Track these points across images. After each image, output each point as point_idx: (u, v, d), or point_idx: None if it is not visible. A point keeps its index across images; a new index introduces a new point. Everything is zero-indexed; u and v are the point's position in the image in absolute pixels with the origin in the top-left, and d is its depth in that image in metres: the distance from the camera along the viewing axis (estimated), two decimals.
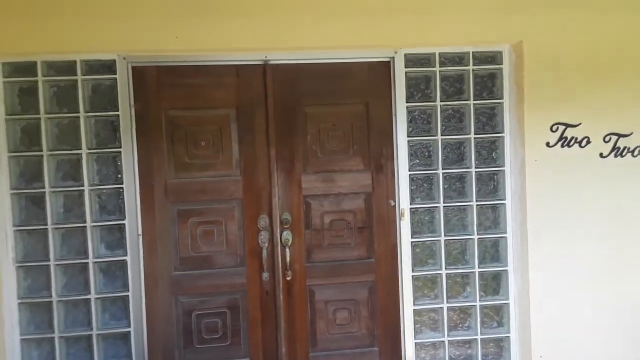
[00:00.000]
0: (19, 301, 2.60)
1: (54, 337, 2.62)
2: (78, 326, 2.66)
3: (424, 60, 2.77)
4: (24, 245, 2.62)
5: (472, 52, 2.76)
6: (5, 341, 2.55)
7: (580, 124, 2.68)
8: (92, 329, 2.64)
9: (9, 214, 2.58)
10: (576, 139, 2.69)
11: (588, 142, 2.70)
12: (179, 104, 2.69)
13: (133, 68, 2.65)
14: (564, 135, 2.68)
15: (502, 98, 2.79)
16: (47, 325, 2.63)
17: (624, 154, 2.72)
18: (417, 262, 2.83)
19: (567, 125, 2.68)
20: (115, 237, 2.66)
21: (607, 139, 2.71)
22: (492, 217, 2.86)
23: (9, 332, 2.57)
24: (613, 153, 2.71)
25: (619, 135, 2.71)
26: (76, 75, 2.57)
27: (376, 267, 2.86)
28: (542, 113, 2.67)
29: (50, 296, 2.61)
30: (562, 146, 2.69)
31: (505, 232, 2.84)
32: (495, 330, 2.88)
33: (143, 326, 2.72)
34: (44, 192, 2.59)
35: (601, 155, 2.71)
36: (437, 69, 2.76)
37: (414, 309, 2.82)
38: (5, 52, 2.49)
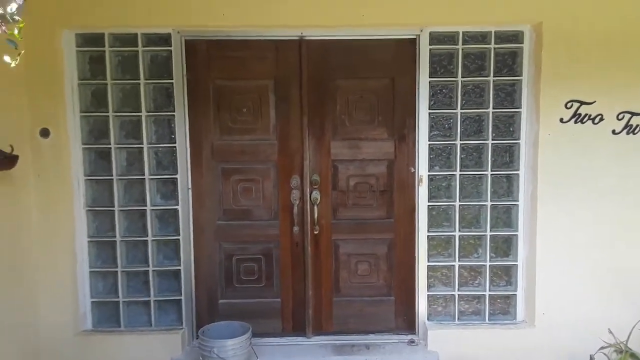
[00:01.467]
0: (88, 239, 3.07)
1: (117, 271, 3.09)
2: (137, 263, 3.11)
3: (448, 38, 2.96)
4: (92, 192, 3.06)
5: (494, 31, 2.93)
6: (77, 272, 3.03)
7: (594, 101, 2.84)
8: (148, 265, 3.09)
9: (81, 165, 3.00)
10: (590, 115, 2.85)
11: (601, 119, 2.85)
12: (224, 74, 3.03)
13: (186, 41, 2.99)
14: (578, 112, 2.85)
15: (521, 75, 2.96)
16: (111, 261, 3.09)
17: (636, 131, 2.86)
18: (433, 224, 3.11)
19: (582, 103, 2.84)
20: (168, 189, 3.07)
21: (620, 116, 2.85)
22: (506, 186, 3.09)
23: (80, 265, 3.04)
24: (625, 130, 2.86)
25: (633, 114, 2.84)
26: (137, 46, 2.93)
27: (395, 226, 3.17)
28: (558, 90, 2.83)
29: (115, 236, 3.06)
30: (576, 122, 2.86)
31: (517, 200, 3.06)
32: (504, 288, 3.16)
33: (191, 266, 3.16)
34: (110, 147, 3.00)
35: (613, 132, 2.86)
36: (460, 46, 2.95)
37: (428, 265, 3.13)
38: (78, 24, 2.87)
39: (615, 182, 2.90)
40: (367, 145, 3.10)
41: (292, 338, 3.21)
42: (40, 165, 2.89)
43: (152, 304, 3.11)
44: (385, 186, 3.14)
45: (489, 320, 3.14)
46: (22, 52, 1.53)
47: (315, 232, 3.13)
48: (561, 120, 2.86)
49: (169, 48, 2.94)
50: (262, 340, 3.10)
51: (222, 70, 3.02)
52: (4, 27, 1.40)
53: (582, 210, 2.92)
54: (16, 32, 1.43)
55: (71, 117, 2.94)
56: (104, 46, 2.93)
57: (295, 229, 3.12)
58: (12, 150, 2.58)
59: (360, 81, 3.05)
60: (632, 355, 2.71)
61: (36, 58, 2.77)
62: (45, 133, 2.88)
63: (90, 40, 2.94)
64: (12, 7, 1.38)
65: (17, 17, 1.41)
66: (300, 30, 2.95)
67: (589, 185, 2.90)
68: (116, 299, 3.10)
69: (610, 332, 2.83)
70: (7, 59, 1.48)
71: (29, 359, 2.88)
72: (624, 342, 2.76)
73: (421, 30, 2.94)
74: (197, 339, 2.92)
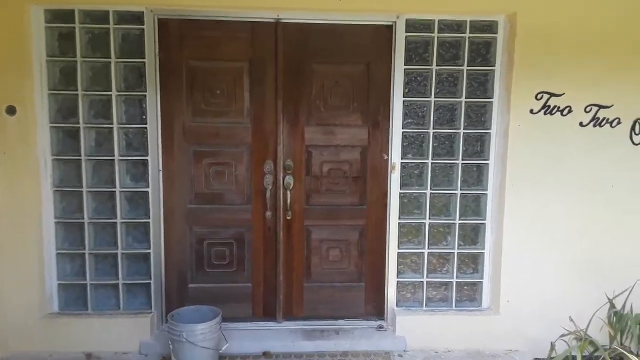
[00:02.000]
0: (55, 220, 3.01)
1: (84, 253, 3.04)
2: (105, 245, 3.07)
3: (424, 26, 2.97)
4: (60, 172, 2.99)
5: (470, 21, 2.96)
6: (44, 254, 2.97)
7: (563, 93, 2.89)
8: (117, 248, 3.05)
9: (48, 144, 2.94)
10: (559, 107, 2.91)
11: (570, 111, 2.91)
12: (198, 54, 2.98)
13: (159, 20, 2.93)
14: (548, 103, 2.90)
15: (494, 65, 3.00)
16: (78, 243, 3.04)
17: (602, 124, 2.93)
18: (404, 211, 3.15)
19: (552, 95, 2.89)
20: (139, 171, 3.02)
21: (588, 109, 2.91)
22: (476, 175, 3.14)
23: (47, 247, 2.99)
24: (592, 123, 2.93)
25: (600, 107, 2.91)
26: (109, 24, 2.87)
27: (367, 213, 3.19)
28: (529, 82, 2.88)
29: (82, 218, 3.01)
30: (545, 114, 2.91)
31: (486, 189, 3.12)
32: (470, 275, 3.22)
33: (161, 249, 3.12)
34: (79, 127, 2.93)
35: (581, 124, 2.93)
36: (435, 34, 2.97)
37: (398, 252, 3.17)
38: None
39: (582, 173, 2.97)
40: (342, 131, 3.10)
41: (262, 323, 3.22)
42: (6, 144, 2.82)
43: (120, 287, 3.08)
44: (359, 173, 3.16)
45: (455, 306, 3.21)
46: None
47: (288, 218, 3.13)
48: (531, 111, 2.91)
49: (142, 26, 2.87)
50: (232, 324, 3.10)
51: (196, 50, 2.97)
52: None
53: (549, 200, 2.98)
54: None
55: (39, 94, 2.87)
56: (74, 23, 2.86)
57: (268, 214, 3.12)
58: None
59: (336, 66, 3.04)
60: (591, 342, 2.80)
61: (3, 33, 2.72)
62: (11, 110, 2.80)
63: (59, 16, 2.86)
64: None
65: None
66: (276, 12, 2.92)
67: (556, 176, 2.96)
68: (84, 282, 3.06)
69: (571, 320, 2.91)
70: None
71: None
72: (584, 330, 2.84)
73: (398, 17, 2.94)
74: (166, 322, 2.91)
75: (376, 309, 3.26)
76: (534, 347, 3.02)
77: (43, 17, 2.85)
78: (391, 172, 3.09)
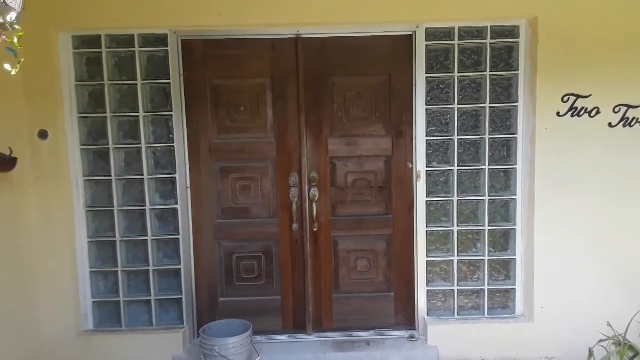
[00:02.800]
0: (89, 240, 3.08)
1: (117, 271, 3.11)
2: (137, 262, 3.12)
3: (444, 34, 2.97)
4: (92, 193, 3.07)
5: (490, 27, 2.94)
6: (78, 273, 3.05)
7: (590, 95, 2.84)
8: (149, 265, 3.11)
9: (80, 166, 3.02)
10: (586, 109, 2.86)
11: (598, 112, 2.86)
12: (221, 73, 3.04)
13: (182, 41, 3.00)
14: (575, 105, 2.86)
15: (517, 70, 2.97)
16: (111, 261, 3.11)
17: (632, 124, 2.87)
18: (431, 219, 3.13)
19: (578, 96, 2.85)
20: (167, 189, 3.08)
21: (616, 109, 2.86)
22: (503, 181, 3.10)
23: (81, 266, 3.06)
24: (622, 123, 2.87)
25: (629, 107, 2.85)
26: (134, 47, 2.94)
27: (394, 222, 3.18)
28: (554, 84, 2.84)
29: (114, 236, 3.07)
30: (572, 116, 2.87)
31: (515, 195, 3.08)
32: (502, 282, 3.17)
33: (191, 265, 3.17)
34: (109, 148, 3.01)
35: (610, 125, 2.87)
36: (456, 42, 2.96)
37: (427, 261, 3.14)
38: (74, 27, 2.88)
39: (613, 175, 2.90)
40: (365, 141, 3.11)
41: (292, 335, 3.22)
42: (39, 167, 2.90)
43: (153, 303, 3.13)
44: (384, 182, 3.15)
45: (488, 314, 3.16)
46: (22, 60, 1.54)
47: (315, 229, 3.14)
48: (558, 114, 2.86)
49: (166, 48, 2.94)
50: (263, 337, 3.12)
51: (219, 69, 3.03)
52: (3, 36, 1.41)
53: (579, 203, 2.93)
54: (15, 40, 1.44)
55: (69, 118, 2.96)
56: (100, 48, 2.94)
57: (295, 226, 3.14)
58: (11, 152, 2.61)
59: (357, 78, 3.05)
60: (631, 347, 2.72)
61: (33, 60, 2.73)
62: (43, 135, 2.89)
63: (87, 42, 2.95)
64: (12, 16, 1.39)
65: (16, 27, 1.42)
66: (296, 28, 2.95)
67: (586, 179, 2.91)
68: (117, 299, 3.12)
69: (609, 325, 2.83)
70: (7, 67, 1.49)
71: None
72: (623, 335, 2.76)
73: (417, 27, 2.95)
74: (198, 337, 2.94)
75: (407, 318, 3.24)
76: (571, 353, 2.95)
77: (71, 44, 2.94)
78: (417, 180, 3.07)
